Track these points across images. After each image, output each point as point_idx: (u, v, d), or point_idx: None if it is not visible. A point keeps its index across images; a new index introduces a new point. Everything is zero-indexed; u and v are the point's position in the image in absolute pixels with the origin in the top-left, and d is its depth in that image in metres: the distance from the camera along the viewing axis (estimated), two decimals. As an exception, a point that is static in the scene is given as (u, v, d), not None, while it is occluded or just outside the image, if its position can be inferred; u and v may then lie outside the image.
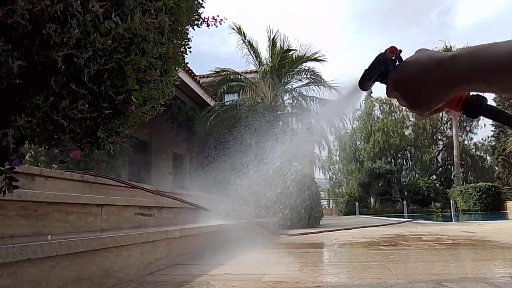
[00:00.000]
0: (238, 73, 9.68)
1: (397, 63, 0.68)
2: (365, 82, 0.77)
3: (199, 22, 1.70)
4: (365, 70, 0.75)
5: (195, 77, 9.93)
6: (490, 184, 21.53)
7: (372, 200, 25.15)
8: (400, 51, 0.70)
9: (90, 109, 1.06)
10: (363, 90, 0.79)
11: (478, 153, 32.26)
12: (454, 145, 26.03)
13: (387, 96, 0.70)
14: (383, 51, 0.72)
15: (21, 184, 1.85)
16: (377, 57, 0.73)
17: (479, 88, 0.56)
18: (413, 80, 0.61)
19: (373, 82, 0.76)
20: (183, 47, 1.65)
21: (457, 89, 0.57)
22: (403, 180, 31.03)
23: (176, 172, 12.77)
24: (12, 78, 0.83)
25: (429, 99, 0.60)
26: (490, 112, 0.68)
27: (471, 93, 0.65)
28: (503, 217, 15.69)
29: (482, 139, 32.70)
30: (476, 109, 0.67)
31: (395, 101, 32.63)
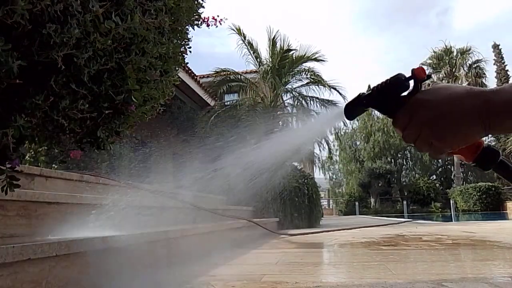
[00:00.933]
0: (238, 73, 9.68)
1: (420, 88, 0.59)
2: (357, 108, 0.65)
3: (199, 22, 1.70)
4: (369, 94, 0.63)
5: (195, 77, 9.94)
6: (490, 184, 21.54)
7: (372, 200, 25.16)
8: (430, 75, 0.61)
9: (90, 109, 1.06)
10: (350, 118, 0.68)
11: (478, 153, 32.22)
12: (454, 145, 26.03)
13: (397, 126, 0.60)
14: (399, 74, 0.60)
15: (21, 184, 1.85)
16: (396, 78, 0.60)
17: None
18: (448, 104, 0.53)
19: (367, 109, 0.65)
20: (183, 47, 1.65)
21: (496, 121, 0.51)
22: (403, 180, 31.03)
23: (176, 172, 12.78)
24: (12, 78, 0.83)
25: (460, 131, 0.53)
26: (502, 168, 0.63)
27: (486, 144, 0.61)
28: (503, 217, 15.70)
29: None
30: (490, 162, 0.62)
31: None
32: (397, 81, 0.59)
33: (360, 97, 0.64)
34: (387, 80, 0.61)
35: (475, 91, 0.53)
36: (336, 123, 1.27)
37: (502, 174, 0.64)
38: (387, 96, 0.61)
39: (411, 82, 0.60)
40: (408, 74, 0.59)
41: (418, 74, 0.59)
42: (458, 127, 0.53)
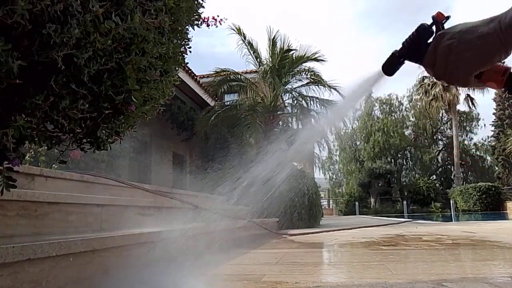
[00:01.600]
0: (238, 73, 9.68)
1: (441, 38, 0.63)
2: (393, 64, 0.71)
3: (199, 22, 1.70)
4: (401, 47, 0.70)
5: (195, 77, 9.94)
6: (490, 184, 21.55)
7: (372, 200, 25.16)
8: (449, 16, 0.67)
9: (90, 109, 1.06)
10: (390, 74, 0.73)
11: (478, 153, 32.27)
12: (454, 145, 26.03)
13: (428, 66, 0.66)
14: (422, 24, 0.67)
15: (21, 184, 1.85)
16: (420, 26, 0.67)
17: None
18: (466, 32, 0.60)
19: (403, 62, 0.71)
20: (183, 47, 1.65)
21: (509, 34, 0.57)
22: (403, 180, 31.04)
23: (176, 172, 12.78)
24: (12, 78, 0.83)
25: (480, 51, 0.59)
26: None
27: None
28: (503, 217, 15.70)
29: (482, 139, 32.66)
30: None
31: (395, 101, 32.43)
32: (422, 29, 0.66)
33: (394, 54, 0.71)
34: (413, 32, 0.67)
35: (487, 19, 0.60)
36: (378, 84, 1.28)
37: None
38: (416, 44, 0.67)
39: (434, 29, 0.65)
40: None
41: (437, 17, 0.65)
42: (478, 48, 0.59)
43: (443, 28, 0.65)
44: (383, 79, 0.77)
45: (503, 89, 0.66)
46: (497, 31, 0.58)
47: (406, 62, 0.70)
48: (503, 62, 0.64)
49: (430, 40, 0.65)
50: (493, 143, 28.63)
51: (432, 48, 0.64)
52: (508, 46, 0.58)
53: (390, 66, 0.72)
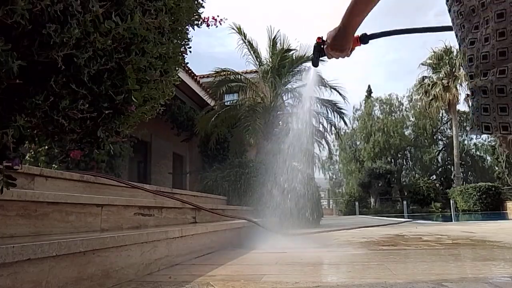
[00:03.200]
0: (238, 73, 9.67)
1: (324, 44, 1.28)
2: (315, 60, 1.39)
3: (199, 22, 1.70)
4: (313, 55, 1.39)
5: (195, 77, 9.94)
6: (490, 184, 21.53)
7: (372, 200, 25.16)
8: (323, 37, 1.32)
9: (90, 109, 1.06)
10: (315, 66, 1.43)
11: (478, 153, 32.27)
12: (454, 145, 26.03)
13: (328, 57, 1.33)
14: (316, 41, 1.35)
15: (21, 184, 1.85)
16: (316, 44, 1.35)
17: (354, 22, 1.18)
18: (335, 38, 1.22)
19: (319, 57, 1.38)
20: (183, 47, 1.65)
21: (349, 30, 1.19)
22: (403, 180, 31.04)
23: (176, 172, 12.78)
24: (12, 78, 0.83)
25: (345, 42, 1.23)
26: (373, 36, 1.31)
27: (360, 34, 1.27)
28: (503, 217, 15.70)
29: (482, 139, 32.69)
30: (365, 38, 1.28)
31: (395, 101, 32.45)
32: (317, 45, 1.33)
33: (313, 57, 1.39)
34: (314, 45, 1.35)
35: (338, 27, 1.21)
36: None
37: (377, 37, 1.35)
38: (318, 50, 1.33)
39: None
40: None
41: (318, 41, 1.32)
42: (345, 41, 1.22)
43: (323, 42, 1.29)
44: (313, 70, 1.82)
45: (360, 45, 1.30)
46: (340, 25, 1.19)
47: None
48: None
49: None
50: (493, 143, 28.62)
51: (327, 50, 1.28)
52: (347, 29, 1.19)
53: (314, 62, 1.41)
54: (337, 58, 1.32)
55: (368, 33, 1.29)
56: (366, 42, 1.31)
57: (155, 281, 1.42)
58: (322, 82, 9.33)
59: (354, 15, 1.22)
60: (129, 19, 1.03)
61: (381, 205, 24.04)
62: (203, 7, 1.70)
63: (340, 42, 1.22)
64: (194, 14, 1.63)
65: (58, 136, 1.13)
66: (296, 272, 1.59)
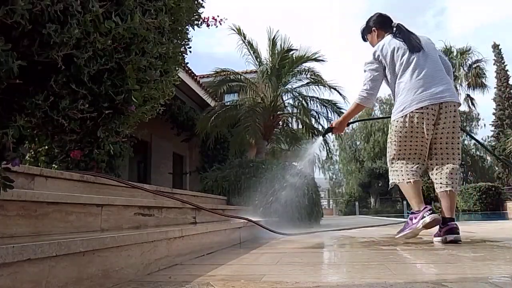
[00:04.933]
0: (238, 73, 9.68)
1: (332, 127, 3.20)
2: (324, 135, 3.58)
3: (199, 22, 1.70)
4: (324, 133, 3.53)
5: (195, 77, 9.94)
6: (490, 184, 21.52)
7: (372, 200, 25.15)
8: (332, 126, 3.19)
9: (90, 109, 1.06)
10: (323, 137, 4.03)
11: (478, 153, 32.26)
12: (454, 145, 25.99)
13: (333, 132, 3.28)
14: (329, 125, 3.25)
15: (21, 184, 1.85)
16: (328, 128, 3.28)
17: (349, 119, 3.12)
18: (340, 125, 3.13)
19: (327, 133, 3.38)
20: (183, 47, 1.65)
21: (346, 123, 3.13)
22: (403, 180, 30.95)
23: (176, 172, 12.78)
24: (12, 78, 0.83)
25: (343, 127, 3.16)
26: (349, 123, 3.19)
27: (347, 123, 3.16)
28: (503, 217, 15.69)
29: (482, 139, 32.70)
30: (348, 124, 3.16)
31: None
32: (329, 128, 3.25)
33: (325, 132, 3.41)
34: (326, 129, 3.34)
35: (342, 117, 3.17)
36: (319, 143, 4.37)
37: (352, 123, 3.33)
38: (327, 130, 3.30)
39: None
40: None
41: (331, 125, 3.23)
42: (344, 125, 3.15)
43: (332, 127, 3.19)
44: (319, 139, 5.29)
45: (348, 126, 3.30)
46: (342, 119, 3.13)
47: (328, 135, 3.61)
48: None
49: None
50: (493, 143, 28.61)
51: (334, 130, 3.19)
52: (345, 123, 3.13)
53: (323, 135, 3.69)
54: (336, 133, 3.28)
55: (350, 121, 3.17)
56: (348, 126, 3.22)
57: (155, 281, 1.42)
58: (322, 82, 9.33)
59: (350, 117, 3.08)
60: (129, 19, 1.03)
61: (381, 205, 24.02)
62: (203, 7, 1.70)
63: (342, 127, 3.16)
64: (194, 14, 1.63)
65: (58, 136, 1.13)
66: (296, 272, 1.59)
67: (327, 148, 10.15)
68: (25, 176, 1.93)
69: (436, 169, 2.73)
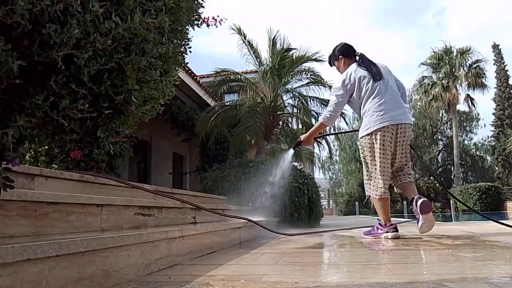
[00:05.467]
0: (238, 73, 9.68)
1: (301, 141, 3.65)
2: (295, 148, 3.90)
3: (199, 22, 1.70)
4: (294, 146, 3.88)
5: (195, 77, 9.93)
6: (490, 184, 21.53)
7: (372, 200, 25.07)
8: (301, 140, 3.64)
9: (90, 109, 1.06)
10: (294, 150, 4.09)
11: (478, 153, 32.27)
12: (454, 145, 26.03)
13: (302, 145, 3.74)
14: (298, 140, 3.71)
15: (21, 184, 1.85)
16: (297, 141, 3.72)
17: (315, 134, 3.65)
18: (306, 140, 3.59)
19: (296, 147, 3.83)
20: (183, 47, 1.65)
21: (312, 138, 3.63)
22: (403, 180, 30.95)
23: (176, 172, 12.77)
24: (12, 78, 0.83)
25: (310, 142, 3.65)
26: (316, 138, 3.88)
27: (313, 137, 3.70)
28: (503, 217, 15.69)
29: (482, 139, 32.72)
30: (315, 139, 3.86)
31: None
32: (298, 142, 3.69)
33: (295, 145, 3.85)
34: (296, 142, 3.76)
35: (309, 133, 3.62)
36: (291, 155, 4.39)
37: (317, 137, 4.18)
38: (297, 146, 3.79)
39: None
40: None
41: (299, 139, 3.69)
42: (311, 139, 3.63)
43: (301, 141, 3.65)
44: (291, 151, 4.19)
45: (314, 141, 4.26)
46: (309, 134, 3.62)
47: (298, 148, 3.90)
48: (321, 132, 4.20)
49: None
50: (493, 143, 28.62)
51: (303, 143, 3.64)
52: (311, 138, 3.63)
53: (294, 148, 3.96)
54: (305, 146, 4.09)
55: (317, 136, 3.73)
56: (315, 141, 4.05)
57: (155, 281, 1.42)
58: (322, 82, 9.34)
59: (316, 133, 3.60)
60: (129, 19, 1.03)
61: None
62: (203, 7, 1.70)
63: (309, 142, 3.62)
64: (194, 14, 1.63)
65: (58, 136, 1.13)
66: (296, 272, 1.59)
67: (328, 148, 10.16)
68: (25, 176, 1.93)
69: (397, 172, 3.33)
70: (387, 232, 3.17)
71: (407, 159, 3.31)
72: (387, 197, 3.21)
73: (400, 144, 3.17)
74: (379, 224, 3.27)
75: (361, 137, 3.22)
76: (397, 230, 3.20)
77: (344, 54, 3.43)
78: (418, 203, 3.03)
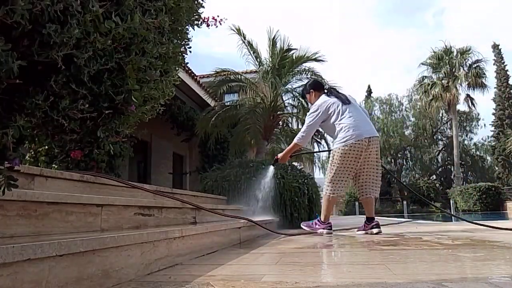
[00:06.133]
0: (238, 73, 9.67)
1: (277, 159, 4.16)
2: (274, 164, 4.39)
3: (199, 22, 1.70)
4: (273, 163, 4.44)
5: (195, 77, 9.93)
6: (490, 184, 21.52)
7: (372, 200, 25.08)
8: (278, 158, 4.14)
9: (90, 109, 1.06)
10: (274, 166, 4.64)
11: (478, 153, 32.26)
12: (454, 145, 26.02)
13: (279, 162, 4.23)
14: (275, 158, 4.20)
15: (21, 184, 1.85)
16: (275, 159, 4.20)
17: (290, 154, 4.15)
18: (282, 158, 4.11)
19: (275, 164, 4.43)
20: (183, 47, 1.65)
21: (288, 156, 4.13)
22: (403, 180, 31.03)
23: (176, 172, 12.77)
24: (12, 78, 0.83)
25: (287, 158, 4.13)
26: (291, 156, 4.32)
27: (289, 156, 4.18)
28: (503, 217, 15.70)
29: (482, 139, 32.72)
30: (291, 156, 4.29)
31: (395, 101, 32.48)
32: (275, 160, 4.19)
33: (274, 162, 4.33)
34: (274, 161, 4.27)
35: (284, 151, 4.15)
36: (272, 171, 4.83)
37: (292, 155, 4.36)
38: (275, 163, 4.31)
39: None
40: None
41: (276, 157, 4.20)
42: (286, 157, 4.13)
43: (278, 158, 4.14)
44: (271, 168, 4.75)
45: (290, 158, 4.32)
46: (285, 153, 4.13)
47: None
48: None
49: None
50: (493, 143, 28.63)
51: (280, 160, 4.16)
52: (287, 156, 4.14)
53: (273, 164, 4.51)
54: (282, 162, 4.26)
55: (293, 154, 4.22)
56: (290, 157, 4.24)
57: (155, 281, 1.42)
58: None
59: (290, 152, 4.06)
60: (129, 19, 1.03)
61: (381, 205, 24.03)
62: (203, 7, 1.70)
63: (285, 159, 4.14)
64: (194, 14, 1.63)
65: (58, 136, 1.13)
66: (296, 272, 1.59)
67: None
68: (25, 176, 1.93)
69: (365, 182, 3.79)
70: (323, 228, 3.76)
71: (377, 174, 3.80)
72: (335, 200, 3.75)
73: (371, 155, 3.70)
74: (318, 220, 3.83)
75: (337, 148, 3.69)
76: (331, 229, 3.83)
77: (314, 88, 4.12)
78: (374, 231, 3.69)
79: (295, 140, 3.90)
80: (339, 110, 3.71)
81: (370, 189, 3.78)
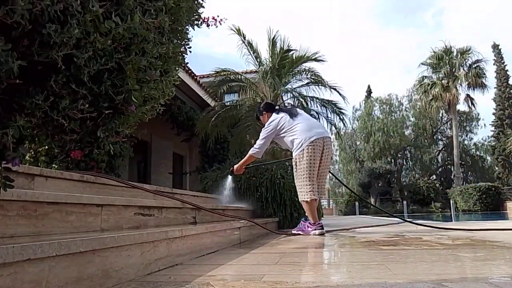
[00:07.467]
0: (238, 73, 9.67)
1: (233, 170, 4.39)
2: (231, 174, 4.49)
3: (199, 22, 1.70)
4: (230, 173, 4.55)
5: (195, 77, 9.92)
6: (490, 184, 21.51)
7: (372, 200, 25.15)
8: (233, 169, 4.41)
9: (90, 109, 1.06)
10: (231, 175, 4.58)
11: (478, 153, 32.27)
12: (454, 145, 26.01)
13: (235, 173, 4.47)
14: (231, 169, 4.46)
15: (21, 184, 1.85)
16: (231, 170, 4.46)
17: (245, 165, 4.38)
18: (237, 170, 4.35)
19: (231, 174, 4.50)
20: (183, 47, 1.65)
21: (243, 167, 4.35)
22: (403, 180, 31.05)
23: (176, 172, 12.77)
24: (12, 78, 0.83)
25: (242, 169, 4.35)
26: (246, 167, 4.53)
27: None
28: (503, 217, 15.70)
29: (482, 139, 32.74)
30: (245, 167, 4.49)
31: (395, 101, 32.50)
32: (231, 171, 4.44)
33: (229, 172, 4.55)
34: (230, 171, 4.52)
35: (240, 162, 4.37)
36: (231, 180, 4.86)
37: (249, 166, 4.68)
38: (231, 173, 4.48)
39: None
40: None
41: (232, 169, 4.48)
42: (241, 168, 4.36)
43: (233, 169, 4.39)
44: (230, 178, 4.69)
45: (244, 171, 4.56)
46: (239, 165, 4.32)
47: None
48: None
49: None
50: (493, 143, 28.64)
51: (235, 170, 4.37)
52: (242, 167, 4.37)
53: (230, 174, 4.55)
54: (238, 174, 4.44)
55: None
56: (246, 169, 4.50)
57: (155, 281, 1.42)
58: (322, 83, 9.33)
59: (246, 163, 4.33)
60: (129, 19, 1.03)
61: (381, 205, 24.02)
62: (203, 7, 1.70)
63: (240, 171, 4.37)
64: (194, 14, 1.63)
65: (58, 136, 1.13)
66: (296, 272, 1.59)
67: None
68: (25, 176, 1.93)
69: (318, 182, 4.00)
70: (315, 229, 3.84)
71: (326, 175, 4.12)
72: (314, 199, 3.84)
73: (325, 155, 3.94)
74: (309, 223, 3.93)
75: (296, 153, 3.90)
76: (322, 228, 3.90)
77: (267, 109, 4.42)
78: (317, 232, 3.82)
79: (250, 152, 4.19)
80: (289, 122, 4.05)
81: (321, 190, 4.03)
